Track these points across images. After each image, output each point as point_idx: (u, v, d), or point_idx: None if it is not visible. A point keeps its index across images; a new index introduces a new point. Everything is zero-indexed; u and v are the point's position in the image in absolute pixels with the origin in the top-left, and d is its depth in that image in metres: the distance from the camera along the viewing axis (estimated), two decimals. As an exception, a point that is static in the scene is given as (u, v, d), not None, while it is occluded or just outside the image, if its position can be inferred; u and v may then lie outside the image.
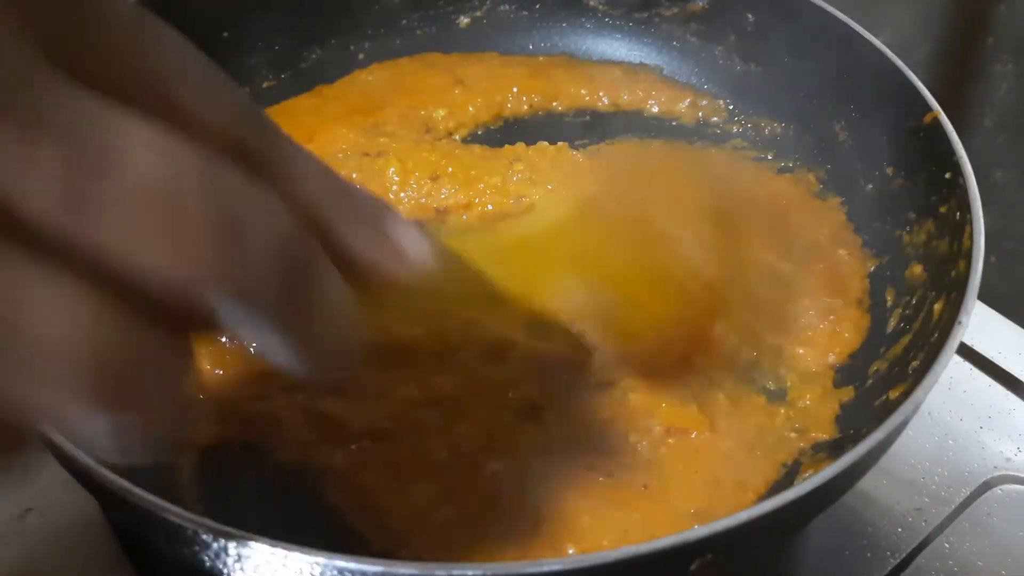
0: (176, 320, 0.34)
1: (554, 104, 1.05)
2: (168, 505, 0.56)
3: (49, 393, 0.31)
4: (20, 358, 0.30)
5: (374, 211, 0.46)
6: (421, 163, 0.96)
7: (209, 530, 0.55)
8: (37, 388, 0.31)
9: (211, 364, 0.77)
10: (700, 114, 1.05)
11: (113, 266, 0.31)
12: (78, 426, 0.33)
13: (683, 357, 0.73)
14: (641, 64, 1.09)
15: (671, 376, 0.76)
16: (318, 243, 0.41)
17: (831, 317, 0.85)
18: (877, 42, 0.91)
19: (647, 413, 0.76)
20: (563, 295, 0.62)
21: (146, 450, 0.35)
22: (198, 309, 0.33)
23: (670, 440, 0.76)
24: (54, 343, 0.30)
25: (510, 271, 0.60)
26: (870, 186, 0.92)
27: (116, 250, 0.31)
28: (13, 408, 0.32)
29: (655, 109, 1.05)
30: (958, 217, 0.78)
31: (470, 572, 0.53)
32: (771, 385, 0.81)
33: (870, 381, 0.79)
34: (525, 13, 1.13)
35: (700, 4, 1.06)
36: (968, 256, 0.74)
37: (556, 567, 0.54)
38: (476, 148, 0.98)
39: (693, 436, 0.76)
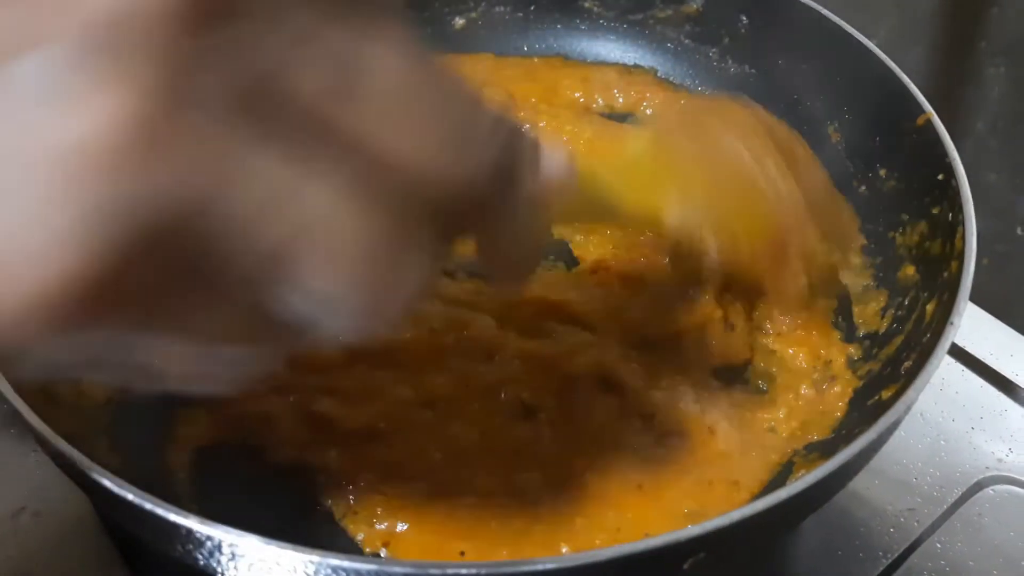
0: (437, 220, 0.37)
1: (549, 106, 1.05)
2: (162, 503, 0.56)
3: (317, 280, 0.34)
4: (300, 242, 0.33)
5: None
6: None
7: (203, 528, 0.55)
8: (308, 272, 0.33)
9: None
10: (694, 116, 1.05)
11: (370, 156, 0.34)
12: (333, 307, 0.35)
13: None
14: (636, 66, 1.10)
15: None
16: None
17: (824, 317, 0.85)
18: (871, 44, 0.91)
19: (646, 416, 0.76)
20: (680, 208, 0.70)
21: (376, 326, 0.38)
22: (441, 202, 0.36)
23: (666, 441, 0.76)
24: (326, 229, 0.33)
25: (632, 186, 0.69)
26: (863, 187, 0.93)
27: (373, 140, 0.34)
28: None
29: (649, 111, 1.06)
30: (950, 219, 0.79)
31: (464, 571, 0.53)
32: (764, 385, 0.81)
33: (862, 381, 0.79)
34: (520, 15, 1.13)
35: (694, 6, 1.06)
36: (960, 257, 0.74)
37: (549, 566, 0.54)
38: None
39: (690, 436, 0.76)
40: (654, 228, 0.73)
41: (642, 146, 0.74)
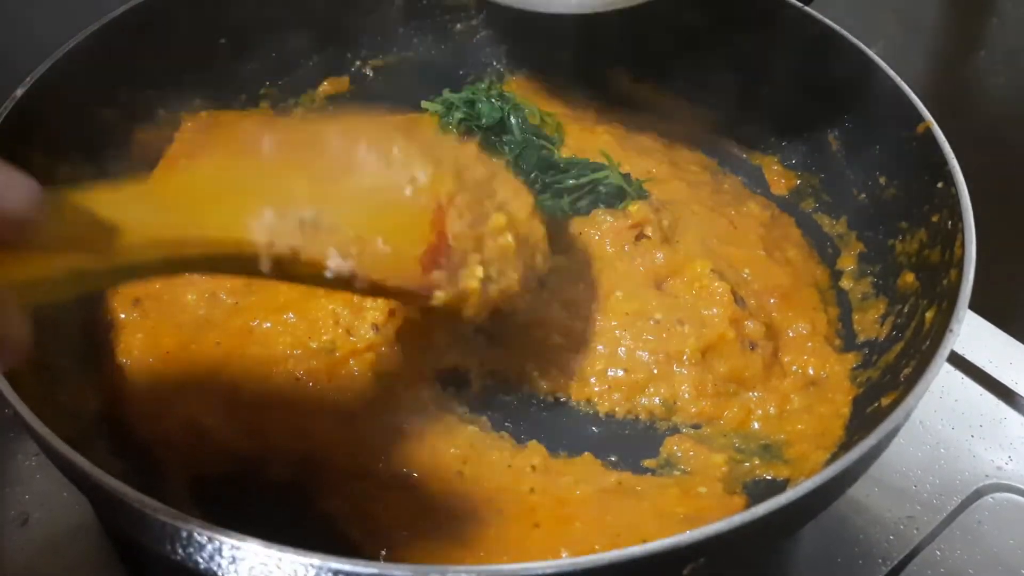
0: None
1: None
2: (163, 507, 0.56)
3: None
4: None
5: None
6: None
7: (204, 531, 0.55)
8: None
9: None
10: (698, 124, 1.06)
11: None
12: None
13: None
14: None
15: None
16: None
17: (823, 324, 0.85)
18: (871, 53, 0.92)
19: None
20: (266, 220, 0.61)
21: None
22: None
23: (666, 446, 0.77)
24: None
25: None
26: (863, 195, 0.93)
27: None
28: None
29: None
30: (950, 226, 0.79)
31: (464, 574, 0.53)
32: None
33: (862, 389, 0.79)
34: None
35: (696, 19, 1.06)
36: (960, 265, 0.74)
37: (549, 570, 0.54)
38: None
39: (690, 437, 0.77)
40: (240, 247, 0.60)
41: (203, 169, 0.66)
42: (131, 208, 0.57)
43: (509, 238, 0.74)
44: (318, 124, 0.74)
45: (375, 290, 0.66)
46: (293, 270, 0.62)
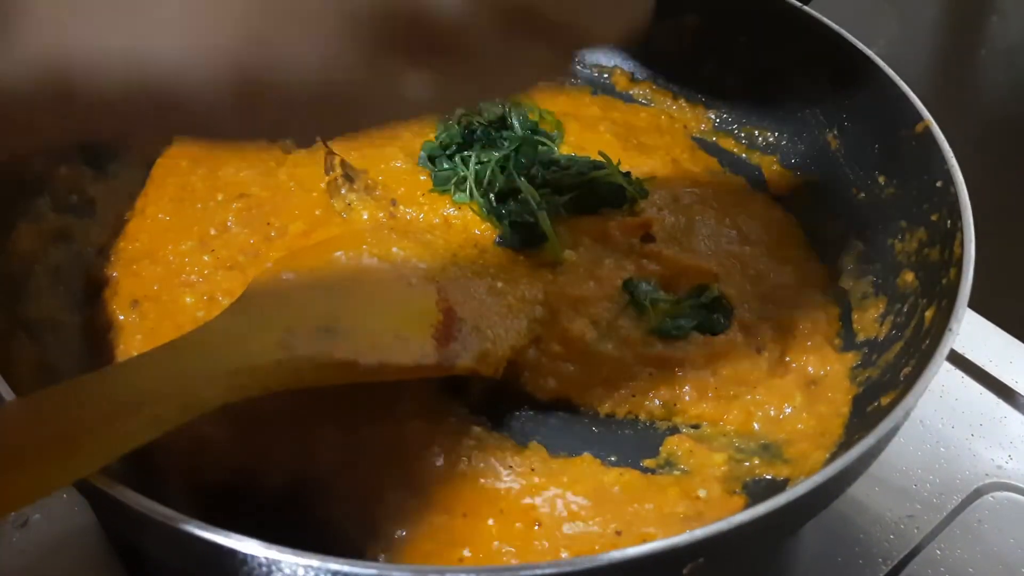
0: None
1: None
2: (164, 509, 0.56)
3: None
4: None
5: None
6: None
7: (204, 533, 0.55)
8: None
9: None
10: (697, 123, 1.05)
11: None
12: None
13: None
14: (635, 76, 1.10)
15: None
16: None
17: (824, 324, 0.85)
18: (870, 52, 0.92)
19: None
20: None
21: None
22: None
23: (666, 446, 0.77)
24: None
25: None
26: (862, 194, 0.93)
27: None
28: None
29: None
30: (949, 225, 0.79)
31: (463, 575, 0.53)
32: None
33: (862, 388, 0.79)
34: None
35: (694, 19, 1.06)
36: (959, 264, 0.74)
37: (549, 570, 0.54)
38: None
39: (689, 437, 0.77)
40: (281, 365, 0.68)
41: (233, 311, 0.73)
42: (189, 356, 0.67)
43: (511, 298, 0.83)
44: (324, 246, 0.85)
45: (403, 372, 0.74)
46: (331, 373, 0.70)
